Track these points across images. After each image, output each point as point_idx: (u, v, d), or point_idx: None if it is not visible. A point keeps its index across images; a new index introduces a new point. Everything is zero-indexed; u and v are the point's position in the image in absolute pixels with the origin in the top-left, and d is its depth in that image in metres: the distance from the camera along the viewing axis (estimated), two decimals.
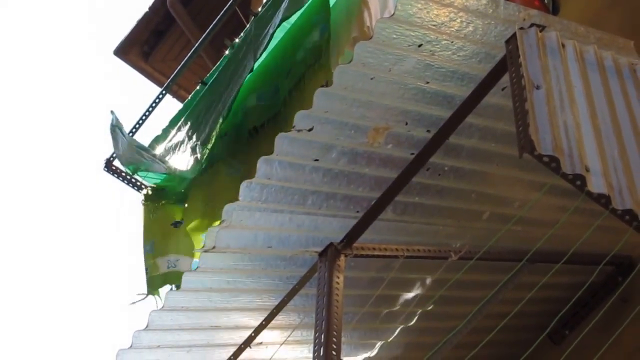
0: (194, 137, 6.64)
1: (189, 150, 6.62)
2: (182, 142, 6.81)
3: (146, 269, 6.78)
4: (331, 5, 5.98)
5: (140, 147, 7.04)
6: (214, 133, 6.31)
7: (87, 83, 27.33)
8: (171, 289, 6.47)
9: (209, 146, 6.35)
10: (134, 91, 27.87)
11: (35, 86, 26.67)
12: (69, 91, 26.95)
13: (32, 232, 26.25)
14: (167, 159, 6.88)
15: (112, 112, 7.28)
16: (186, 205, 6.82)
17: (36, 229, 26.41)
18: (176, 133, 7.01)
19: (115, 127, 7.23)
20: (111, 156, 7.88)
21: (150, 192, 7.09)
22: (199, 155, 6.42)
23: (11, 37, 26.32)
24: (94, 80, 27.16)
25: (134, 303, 6.63)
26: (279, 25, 5.99)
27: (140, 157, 6.95)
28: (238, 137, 6.58)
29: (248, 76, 6.30)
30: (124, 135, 7.14)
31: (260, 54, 6.16)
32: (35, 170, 27.07)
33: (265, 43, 6.05)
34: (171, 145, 6.94)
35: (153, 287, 6.69)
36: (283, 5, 6.03)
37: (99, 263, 24.95)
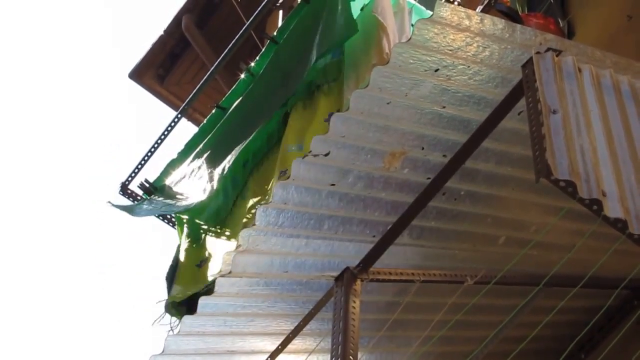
0: (212, 164, 6.59)
1: (206, 177, 6.57)
2: (199, 168, 6.75)
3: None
4: None
5: (153, 201, 6.94)
6: (233, 160, 6.27)
7: (104, 106, 27.45)
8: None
9: (225, 173, 6.30)
10: (149, 114, 27.96)
11: (51, 106, 26.80)
12: (84, 114, 27.08)
13: (48, 257, 26.31)
14: (183, 185, 6.81)
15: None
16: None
17: (53, 254, 26.49)
18: (193, 159, 6.97)
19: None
20: (127, 180, 7.92)
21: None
22: (215, 184, 6.36)
23: (31, 58, 26.50)
24: (111, 102, 27.28)
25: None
26: (316, 61, 5.92)
27: (156, 205, 6.87)
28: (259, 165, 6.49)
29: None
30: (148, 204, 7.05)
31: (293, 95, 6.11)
32: (50, 193, 27.15)
33: (301, 76, 5.99)
34: (188, 172, 6.90)
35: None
36: (316, 38, 5.95)
37: (116, 287, 24.96)
